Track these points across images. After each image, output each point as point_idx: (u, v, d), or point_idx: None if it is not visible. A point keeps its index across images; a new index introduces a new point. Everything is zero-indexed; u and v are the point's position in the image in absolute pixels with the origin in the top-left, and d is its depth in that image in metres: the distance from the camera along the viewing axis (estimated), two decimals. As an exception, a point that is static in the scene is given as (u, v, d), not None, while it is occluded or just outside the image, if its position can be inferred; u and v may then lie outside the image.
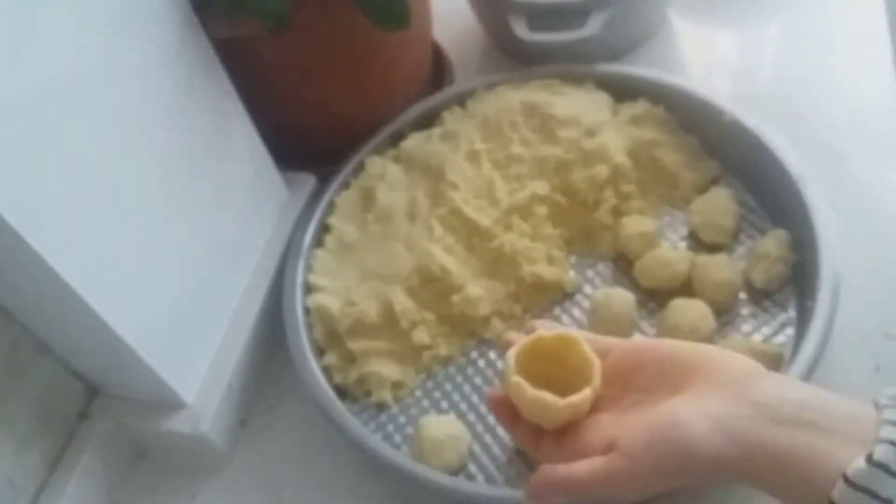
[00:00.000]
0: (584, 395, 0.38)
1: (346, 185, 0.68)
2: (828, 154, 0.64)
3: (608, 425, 0.37)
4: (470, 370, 0.59)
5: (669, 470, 0.34)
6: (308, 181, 0.69)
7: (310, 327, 0.60)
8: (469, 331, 0.60)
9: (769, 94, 0.71)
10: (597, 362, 0.39)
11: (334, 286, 0.62)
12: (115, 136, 0.47)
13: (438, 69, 0.78)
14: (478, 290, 0.59)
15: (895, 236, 0.60)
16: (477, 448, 0.54)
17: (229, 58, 0.57)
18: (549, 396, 0.38)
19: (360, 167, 0.69)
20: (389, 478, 0.54)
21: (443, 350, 0.59)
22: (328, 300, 0.60)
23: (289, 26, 0.55)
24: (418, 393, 0.58)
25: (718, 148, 0.64)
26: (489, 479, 0.53)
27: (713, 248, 0.60)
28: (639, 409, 0.37)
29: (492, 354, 0.59)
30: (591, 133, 0.64)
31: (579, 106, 0.66)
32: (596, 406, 0.39)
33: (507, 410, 0.41)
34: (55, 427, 0.55)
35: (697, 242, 0.61)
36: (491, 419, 0.55)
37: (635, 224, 0.61)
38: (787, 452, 0.31)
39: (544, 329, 0.41)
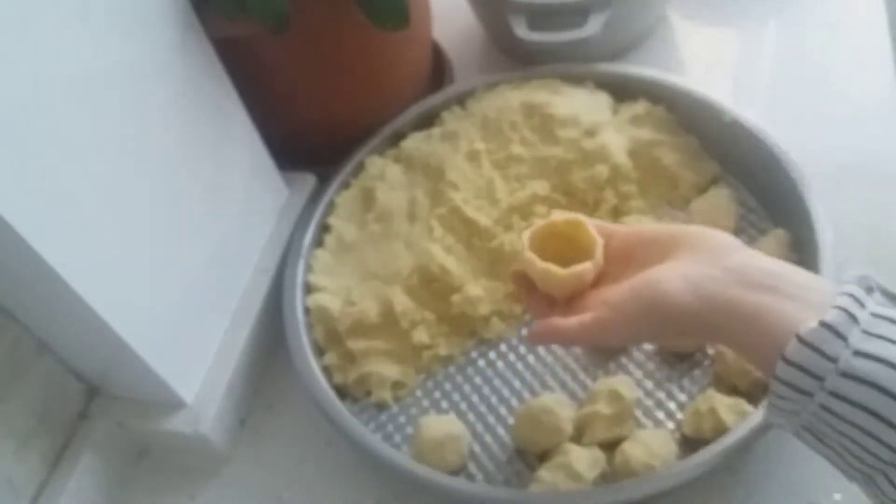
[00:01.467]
0: (584, 266, 0.44)
1: (346, 185, 0.68)
2: (827, 153, 0.64)
3: (606, 292, 0.43)
4: (470, 370, 0.59)
5: (647, 319, 0.39)
6: (308, 181, 0.69)
7: (310, 327, 0.60)
8: (469, 331, 0.60)
9: (769, 93, 0.71)
10: (599, 241, 0.45)
11: (334, 286, 0.62)
12: (114, 135, 0.47)
13: (438, 69, 0.78)
14: (478, 290, 0.59)
15: (895, 236, 0.60)
16: (477, 448, 0.54)
17: (229, 58, 0.57)
18: (553, 267, 0.44)
19: (360, 167, 0.69)
20: (389, 478, 0.54)
21: (443, 350, 0.59)
22: (328, 300, 0.60)
23: (289, 26, 0.55)
24: (418, 393, 0.58)
25: (718, 148, 0.64)
26: (489, 479, 0.53)
27: (713, 248, 0.60)
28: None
29: (492, 354, 0.59)
30: (591, 133, 0.64)
31: (579, 106, 0.66)
32: (600, 281, 0.45)
33: (525, 283, 0.47)
34: (55, 427, 0.55)
35: (697, 242, 0.61)
36: (491, 419, 0.55)
37: (635, 224, 0.61)
38: (749, 310, 0.35)
39: (557, 215, 0.47)
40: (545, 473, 0.49)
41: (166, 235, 0.52)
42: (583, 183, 0.62)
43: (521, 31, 0.71)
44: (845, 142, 0.66)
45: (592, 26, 0.69)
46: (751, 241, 0.60)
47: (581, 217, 0.46)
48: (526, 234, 0.46)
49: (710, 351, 0.54)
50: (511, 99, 0.67)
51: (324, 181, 0.68)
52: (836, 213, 0.55)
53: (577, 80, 0.69)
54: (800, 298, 0.34)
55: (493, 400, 0.57)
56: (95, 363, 0.55)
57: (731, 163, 0.64)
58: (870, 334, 0.32)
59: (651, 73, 0.68)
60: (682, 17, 0.82)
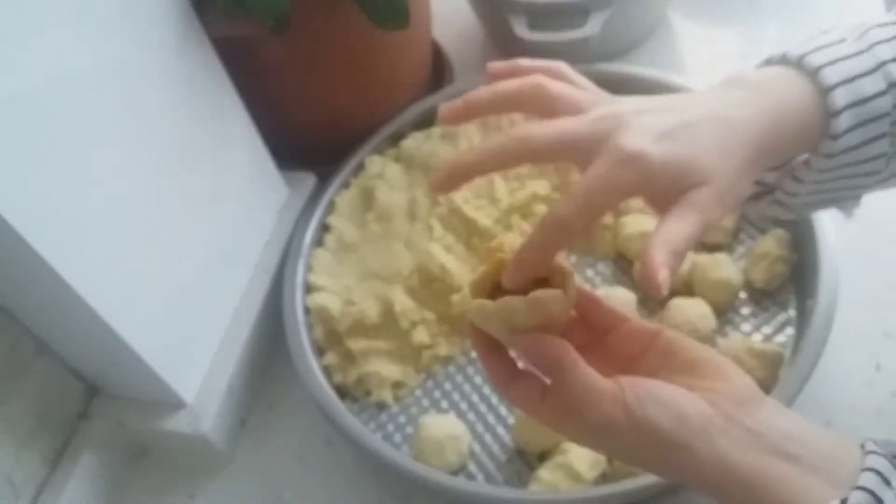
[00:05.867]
0: (553, 293, 0.34)
1: (346, 185, 0.68)
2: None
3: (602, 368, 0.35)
4: (470, 370, 0.59)
5: (652, 430, 0.32)
6: (308, 180, 0.69)
7: (310, 327, 0.60)
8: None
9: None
10: (571, 271, 0.36)
11: (334, 286, 0.62)
12: (114, 136, 0.47)
13: (438, 69, 0.78)
14: (478, 290, 0.59)
15: (895, 236, 0.60)
16: (477, 448, 0.54)
17: (229, 58, 0.57)
18: (509, 298, 0.34)
19: (360, 166, 0.69)
20: (389, 478, 0.54)
21: (443, 350, 0.59)
22: (328, 300, 0.60)
23: (289, 26, 0.55)
24: (418, 392, 0.58)
25: (718, 148, 0.64)
26: (489, 479, 0.53)
27: (713, 248, 0.60)
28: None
29: (492, 354, 0.59)
30: (591, 133, 0.63)
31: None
32: (585, 351, 0.35)
33: (486, 341, 0.37)
34: (55, 426, 0.55)
35: (697, 242, 0.61)
36: (491, 418, 0.55)
37: (635, 224, 0.61)
38: (762, 479, 0.31)
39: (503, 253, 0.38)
40: (545, 473, 0.49)
41: (166, 235, 0.52)
42: (583, 183, 0.62)
43: (521, 30, 0.71)
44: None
45: (592, 26, 0.69)
46: (751, 241, 0.60)
47: None
48: (466, 284, 0.37)
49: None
50: (511, 99, 0.67)
51: (324, 181, 0.68)
52: (837, 213, 0.55)
53: (577, 80, 0.69)
54: (823, 471, 0.31)
55: (493, 400, 0.57)
56: (95, 363, 0.55)
57: (731, 163, 0.64)
58: None
59: (651, 73, 0.68)
60: (682, 17, 0.82)
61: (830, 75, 0.37)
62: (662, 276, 0.33)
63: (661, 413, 0.32)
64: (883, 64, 0.37)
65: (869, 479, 0.30)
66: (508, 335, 0.35)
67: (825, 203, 0.43)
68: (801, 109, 0.37)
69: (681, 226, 0.35)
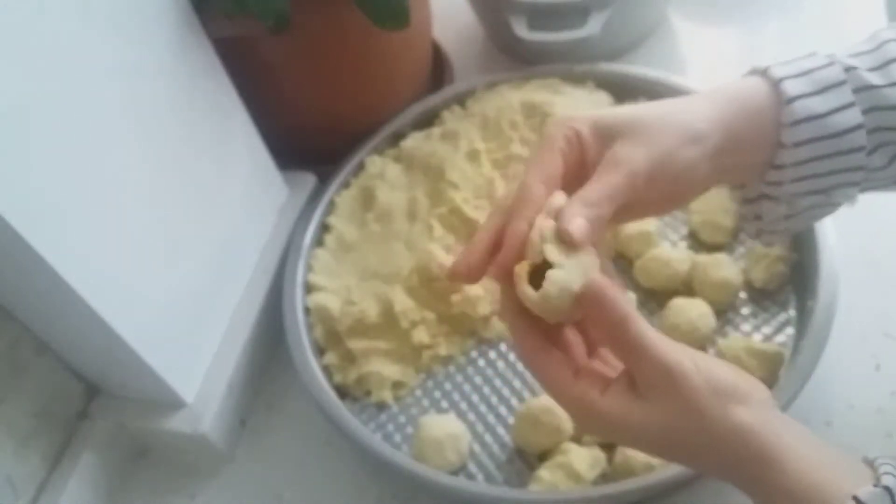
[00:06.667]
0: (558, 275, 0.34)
1: (346, 185, 0.68)
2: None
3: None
4: (470, 370, 0.59)
5: (715, 376, 0.34)
6: (308, 180, 0.69)
7: (310, 327, 0.60)
8: (469, 330, 0.60)
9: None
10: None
11: (334, 286, 0.62)
12: (114, 135, 0.47)
13: (438, 69, 0.78)
14: (478, 290, 0.59)
15: (895, 236, 0.60)
16: (477, 448, 0.54)
17: (229, 58, 0.57)
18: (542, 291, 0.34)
19: (360, 166, 0.69)
20: (389, 478, 0.54)
21: (443, 350, 0.59)
22: (328, 300, 0.60)
23: (289, 26, 0.56)
24: (418, 392, 0.58)
25: (718, 148, 0.64)
26: (489, 479, 0.53)
27: (713, 248, 0.60)
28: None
29: (492, 354, 0.59)
30: (591, 133, 0.64)
31: (579, 105, 0.66)
32: None
33: (536, 341, 0.37)
34: (55, 426, 0.55)
35: (697, 242, 0.61)
36: (491, 418, 0.55)
37: (635, 223, 0.61)
38: (799, 462, 0.32)
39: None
40: (545, 473, 0.49)
41: (166, 235, 0.52)
42: (583, 183, 0.62)
43: (521, 31, 0.71)
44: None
45: (592, 26, 0.69)
46: (751, 241, 0.60)
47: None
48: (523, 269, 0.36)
49: (711, 349, 0.54)
50: (511, 98, 0.67)
51: (324, 181, 0.68)
52: (836, 214, 0.55)
53: (577, 80, 0.69)
54: (845, 461, 0.33)
55: (493, 400, 0.57)
56: (95, 363, 0.55)
57: (731, 162, 0.64)
58: None
59: (651, 73, 0.68)
60: (683, 17, 0.82)
61: (769, 63, 0.41)
62: (576, 224, 0.35)
63: (722, 369, 0.34)
64: (828, 56, 0.40)
65: (890, 469, 0.31)
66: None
67: (817, 193, 0.42)
68: (743, 89, 0.41)
69: (599, 185, 0.37)
